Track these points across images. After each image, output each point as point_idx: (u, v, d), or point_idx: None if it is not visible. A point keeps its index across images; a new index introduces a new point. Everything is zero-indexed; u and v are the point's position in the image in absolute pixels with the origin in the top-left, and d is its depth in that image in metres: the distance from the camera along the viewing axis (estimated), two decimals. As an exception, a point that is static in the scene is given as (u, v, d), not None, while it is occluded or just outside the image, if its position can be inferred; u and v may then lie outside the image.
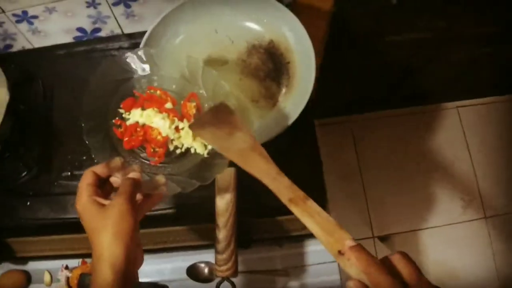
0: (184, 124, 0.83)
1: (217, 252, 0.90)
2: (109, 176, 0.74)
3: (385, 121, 2.08)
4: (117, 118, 0.86)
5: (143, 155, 0.86)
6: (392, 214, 1.93)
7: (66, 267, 1.15)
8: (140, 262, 0.73)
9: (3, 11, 1.09)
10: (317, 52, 1.39)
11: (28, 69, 1.18)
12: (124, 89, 0.89)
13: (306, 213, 0.63)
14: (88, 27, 1.19)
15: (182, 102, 0.86)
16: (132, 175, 0.73)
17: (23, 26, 1.16)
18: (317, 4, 1.21)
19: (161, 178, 0.75)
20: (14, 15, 1.12)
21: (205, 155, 0.84)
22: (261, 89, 1.03)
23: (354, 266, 0.55)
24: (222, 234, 0.89)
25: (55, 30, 1.18)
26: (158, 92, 0.86)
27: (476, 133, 2.06)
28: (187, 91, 0.88)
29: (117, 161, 0.73)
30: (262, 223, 1.06)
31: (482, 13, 1.44)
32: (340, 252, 0.57)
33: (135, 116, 0.84)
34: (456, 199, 1.97)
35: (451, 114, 2.09)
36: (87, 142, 0.84)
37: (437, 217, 1.93)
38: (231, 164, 0.89)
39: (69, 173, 1.06)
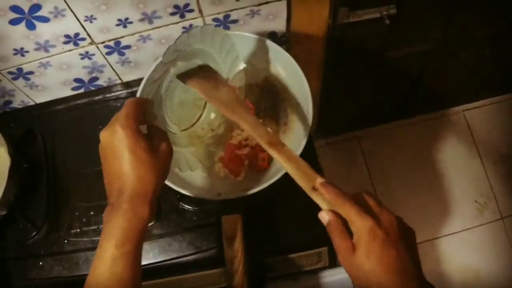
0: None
1: (230, 299, 0.90)
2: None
3: (392, 132, 2.06)
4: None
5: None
6: (408, 226, 1.88)
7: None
8: None
9: (-1, 71, 1.11)
10: (316, 76, 1.40)
11: (28, 126, 1.18)
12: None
13: (283, 156, 0.70)
14: (85, 77, 1.20)
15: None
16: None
17: (20, 82, 1.16)
18: (311, 32, 1.20)
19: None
20: (9, 72, 1.12)
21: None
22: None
23: (326, 199, 0.65)
24: (234, 280, 0.89)
25: (53, 83, 1.19)
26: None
27: (484, 134, 2.03)
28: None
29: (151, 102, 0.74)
30: (275, 262, 1.06)
31: (481, 14, 1.43)
32: (313, 188, 0.66)
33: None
34: (471, 202, 1.95)
35: (458, 118, 2.06)
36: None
37: (453, 223, 1.91)
38: (237, 210, 0.90)
39: (78, 230, 1.06)
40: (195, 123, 0.83)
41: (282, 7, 1.10)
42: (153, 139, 0.70)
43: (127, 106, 0.67)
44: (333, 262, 1.10)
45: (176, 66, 0.80)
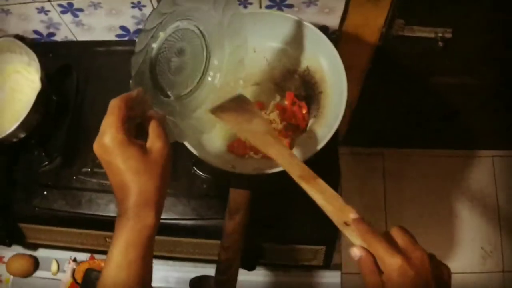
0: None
1: (217, 272, 0.89)
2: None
3: (418, 159, 2.04)
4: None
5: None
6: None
7: (74, 260, 1.17)
8: None
9: (49, 0, 1.12)
10: (356, 82, 1.39)
11: (66, 61, 1.19)
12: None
13: (315, 189, 0.70)
14: (131, 27, 1.21)
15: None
16: (154, 114, 0.71)
17: (68, 17, 1.18)
18: (363, 36, 1.20)
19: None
20: (59, 5, 1.14)
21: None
22: (291, 116, 1.02)
23: (357, 236, 0.64)
24: (225, 255, 0.88)
25: (99, 25, 1.21)
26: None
27: (508, 185, 2.00)
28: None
29: (141, 92, 0.71)
30: (271, 249, 1.06)
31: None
32: (345, 223, 0.66)
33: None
34: (477, 248, 1.92)
35: (486, 162, 2.04)
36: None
37: (454, 263, 1.88)
38: (244, 185, 0.90)
39: (89, 170, 1.07)
40: (199, 81, 0.81)
41: (339, 4, 1.10)
42: (148, 137, 0.68)
43: (112, 112, 0.65)
44: (328, 264, 1.09)
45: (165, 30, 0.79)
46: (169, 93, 0.80)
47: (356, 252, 0.64)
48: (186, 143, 0.91)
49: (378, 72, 1.37)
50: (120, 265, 0.62)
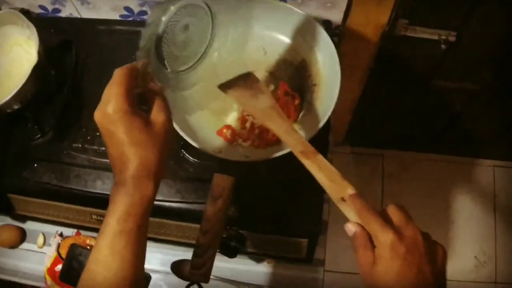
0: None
1: (194, 255, 0.89)
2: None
3: (418, 162, 2.04)
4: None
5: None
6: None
7: (60, 234, 1.18)
8: None
9: (57, -25, 1.13)
10: (358, 81, 1.39)
11: (67, 37, 1.20)
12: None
13: (315, 164, 0.70)
14: (135, 8, 1.21)
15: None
16: (155, 86, 0.71)
17: (73, -6, 1.19)
18: (366, 35, 1.19)
19: None
20: (66, -18, 1.15)
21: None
22: (280, 106, 1.02)
23: (353, 211, 0.65)
24: (203, 239, 0.88)
25: (104, 4, 1.21)
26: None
27: (506, 196, 1.98)
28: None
29: (146, 63, 0.70)
30: (254, 237, 1.06)
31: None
32: (342, 199, 0.66)
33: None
34: (471, 257, 1.91)
35: (486, 171, 2.02)
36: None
37: (447, 270, 1.87)
38: (230, 173, 0.90)
39: (80, 145, 1.08)
40: (199, 59, 0.81)
41: (342, -1, 1.09)
42: (150, 108, 0.68)
43: (117, 81, 0.63)
44: (310, 258, 1.09)
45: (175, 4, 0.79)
46: (168, 65, 0.80)
47: (350, 227, 0.65)
48: (175, 125, 0.91)
49: (381, 73, 1.37)
50: (117, 234, 0.62)
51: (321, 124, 0.91)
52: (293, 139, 0.76)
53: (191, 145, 0.92)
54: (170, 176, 1.03)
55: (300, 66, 1.04)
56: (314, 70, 1.02)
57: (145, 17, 1.23)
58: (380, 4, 1.10)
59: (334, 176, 0.68)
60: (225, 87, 0.86)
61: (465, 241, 1.93)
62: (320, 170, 0.69)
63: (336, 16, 1.16)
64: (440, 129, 1.79)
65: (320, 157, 0.71)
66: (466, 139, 1.84)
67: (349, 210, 0.66)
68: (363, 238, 0.63)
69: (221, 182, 0.91)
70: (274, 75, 1.05)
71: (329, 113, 0.91)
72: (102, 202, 1.00)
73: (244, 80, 0.87)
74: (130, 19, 1.25)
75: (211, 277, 1.05)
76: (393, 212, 0.64)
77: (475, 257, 1.90)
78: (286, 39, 1.06)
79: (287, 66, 1.04)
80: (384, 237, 0.60)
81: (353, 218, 0.65)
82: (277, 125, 0.79)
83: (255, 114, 0.85)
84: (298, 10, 1.01)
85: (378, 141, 2.01)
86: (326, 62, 1.00)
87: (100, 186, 1.04)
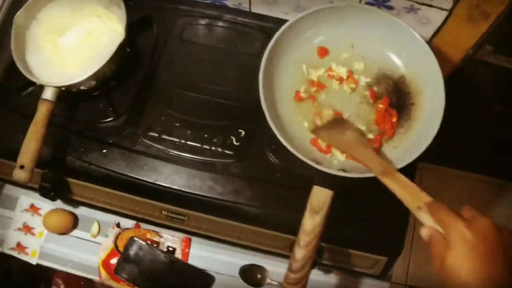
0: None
1: (290, 270, 0.84)
2: None
3: (458, 180, 2.01)
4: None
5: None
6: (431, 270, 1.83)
7: (118, 225, 1.11)
8: None
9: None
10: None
11: (148, 12, 1.11)
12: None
13: (394, 181, 0.77)
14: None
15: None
16: None
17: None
18: (449, 54, 1.15)
19: None
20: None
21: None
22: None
23: (428, 216, 0.69)
24: (301, 253, 0.84)
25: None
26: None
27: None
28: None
29: None
30: (333, 250, 1.01)
31: None
32: (418, 207, 0.71)
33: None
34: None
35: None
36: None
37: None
38: (330, 186, 0.85)
39: (157, 135, 1.00)
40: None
41: (439, 17, 1.07)
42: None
43: None
44: (383, 275, 1.06)
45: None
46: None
47: (425, 231, 0.67)
48: (273, 127, 0.86)
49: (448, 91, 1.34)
50: None
51: (422, 149, 0.88)
52: (375, 164, 0.82)
53: (281, 149, 0.87)
54: (255, 179, 0.98)
55: (399, 82, 0.99)
56: (413, 88, 0.98)
57: (225, 2, 1.15)
58: (475, 27, 1.07)
59: (411, 188, 0.75)
60: (317, 131, 0.94)
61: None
62: (399, 186, 0.76)
63: (426, 33, 1.12)
64: (486, 152, 1.77)
65: (398, 174, 0.78)
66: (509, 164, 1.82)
67: (424, 217, 0.70)
68: (438, 237, 0.65)
69: (321, 196, 0.87)
70: (371, 87, 1.00)
71: (428, 141, 0.89)
72: (177, 198, 0.96)
73: (333, 122, 0.94)
74: (209, 2, 1.17)
75: (275, 283, 1.01)
76: (466, 209, 0.66)
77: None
78: (387, 52, 1.01)
79: (386, 80, 1.00)
80: (454, 226, 0.62)
81: (428, 223, 0.69)
82: (360, 154, 0.85)
83: (341, 148, 0.91)
84: (404, 24, 0.96)
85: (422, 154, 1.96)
86: (429, 81, 0.96)
87: (177, 181, 0.97)
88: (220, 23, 1.13)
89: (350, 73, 0.99)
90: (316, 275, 1.10)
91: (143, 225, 1.10)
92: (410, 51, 0.98)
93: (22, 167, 0.87)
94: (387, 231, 0.97)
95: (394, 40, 0.99)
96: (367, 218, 0.97)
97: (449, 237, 0.62)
